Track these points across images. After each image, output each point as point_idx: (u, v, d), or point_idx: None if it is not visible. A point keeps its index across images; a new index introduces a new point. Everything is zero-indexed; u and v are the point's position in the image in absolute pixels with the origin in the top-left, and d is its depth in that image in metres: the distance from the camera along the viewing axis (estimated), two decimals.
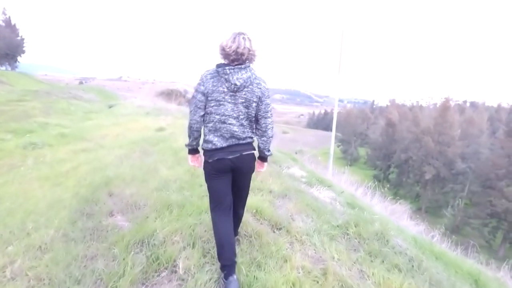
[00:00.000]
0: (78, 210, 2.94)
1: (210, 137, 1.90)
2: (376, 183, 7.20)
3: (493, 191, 25.93)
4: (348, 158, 50.18)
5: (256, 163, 2.10)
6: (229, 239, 1.92)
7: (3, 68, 38.99)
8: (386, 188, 13.93)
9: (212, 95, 1.85)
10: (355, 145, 51.51)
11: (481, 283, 2.53)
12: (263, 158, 2.14)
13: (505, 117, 42.28)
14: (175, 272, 2.03)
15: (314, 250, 2.38)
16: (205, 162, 1.97)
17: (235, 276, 1.85)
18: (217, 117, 1.87)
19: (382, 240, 2.62)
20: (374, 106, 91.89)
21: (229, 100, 1.85)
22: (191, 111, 1.91)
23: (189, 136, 1.98)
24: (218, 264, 2.00)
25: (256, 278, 1.93)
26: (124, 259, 2.12)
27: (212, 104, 1.87)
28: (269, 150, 2.07)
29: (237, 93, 1.85)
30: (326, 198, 3.63)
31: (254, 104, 1.89)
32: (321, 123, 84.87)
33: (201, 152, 2.04)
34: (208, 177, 1.98)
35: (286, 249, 2.30)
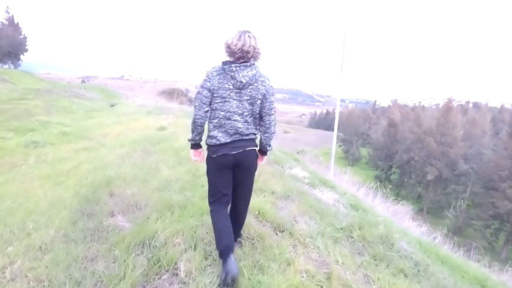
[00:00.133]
0: (79, 210, 2.91)
1: (215, 132, 1.94)
2: (378, 183, 7.15)
3: (495, 193, 25.80)
4: (349, 158, 50.07)
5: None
6: (227, 227, 1.98)
7: (6, 66, 39.10)
8: (388, 189, 13.87)
9: (218, 91, 1.89)
10: (356, 145, 51.40)
11: None
12: (263, 152, 2.19)
13: (508, 118, 41.98)
14: (177, 275, 2.00)
15: (318, 253, 2.34)
16: (209, 157, 2.01)
17: (232, 256, 1.89)
18: (222, 113, 1.91)
19: (387, 244, 2.58)
20: (376, 106, 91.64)
21: (234, 97, 1.90)
22: (196, 107, 1.93)
23: (193, 131, 2.01)
24: (220, 267, 1.98)
25: (259, 282, 1.89)
26: (124, 261, 2.08)
27: (218, 101, 1.90)
28: (270, 145, 2.14)
29: (242, 90, 1.89)
30: (329, 200, 3.59)
31: (258, 101, 1.94)
32: (322, 122, 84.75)
33: (204, 147, 2.09)
34: (210, 172, 2.04)
35: (289, 252, 2.27)
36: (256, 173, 2.31)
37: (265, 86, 1.94)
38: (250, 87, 1.90)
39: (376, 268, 2.21)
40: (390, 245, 2.57)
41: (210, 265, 2.08)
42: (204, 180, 3.38)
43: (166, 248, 2.17)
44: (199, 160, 2.16)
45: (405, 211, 6.74)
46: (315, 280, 2.01)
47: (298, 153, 9.15)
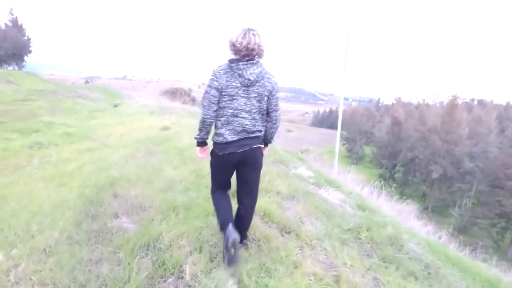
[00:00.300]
0: (83, 212, 2.89)
1: (222, 130, 1.97)
2: (382, 182, 7.09)
3: (501, 191, 25.52)
4: (353, 156, 49.83)
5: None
6: (226, 206, 2.13)
7: (10, 68, 39.41)
8: (392, 188, 13.76)
9: (226, 90, 1.91)
10: (360, 144, 51.13)
11: None
12: (266, 144, 2.24)
13: None
14: (182, 278, 1.96)
15: (325, 255, 2.29)
16: (215, 153, 2.04)
17: (231, 225, 2.00)
18: (230, 111, 1.94)
19: (396, 245, 2.52)
20: (380, 104, 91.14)
21: (242, 95, 1.93)
22: (204, 106, 1.95)
23: (201, 130, 2.03)
24: (225, 269, 1.98)
25: (266, 286, 1.86)
26: (129, 263, 2.05)
27: (226, 99, 1.93)
28: (273, 138, 2.23)
29: (250, 88, 1.93)
30: (335, 200, 3.54)
31: (265, 98, 1.98)
32: (325, 121, 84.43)
33: (209, 144, 2.14)
34: (214, 167, 2.11)
35: (296, 254, 2.22)
36: (261, 172, 2.28)
37: (271, 82, 1.97)
38: (257, 84, 1.93)
39: (385, 271, 2.15)
40: (399, 246, 2.51)
41: (215, 268, 2.04)
42: (209, 180, 3.36)
43: (171, 251, 2.14)
44: (205, 157, 2.18)
45: (410, 210, 6.66)
46: (323, 283, 1.97)
47: (302, 152, 9.10)
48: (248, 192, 2.14)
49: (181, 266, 2.02)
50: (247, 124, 1.96)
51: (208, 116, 1.95)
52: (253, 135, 2.01)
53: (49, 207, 3.05)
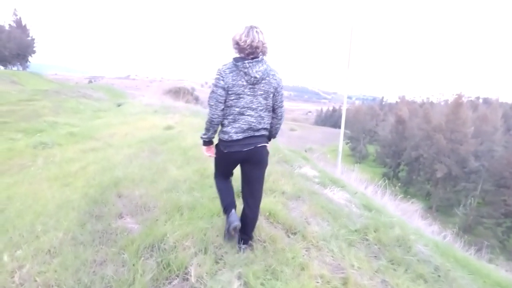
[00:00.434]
0: (87, 212, 2.88)
1: (228, 128, 1.97)
2: (386, 181, 7.03)
3: (507, 190, 25.27)
4: (356, 155, 49.62)
5: None
6: (229, 190, 2.24)
7: (15, 68, 39.70)
8: (397, 187, 13.66)
9: (232, 89, 1.91)
10: (364, 142, 50.90)
11: None
12: (269, 139, 2.25)
13: None
14: (187, 279, 1.93)
15: (332, 257, 2.25)
16: (220, 150, 2.07)
17: (233, 211, 2.15)
18: (237, 109, 1.95)
19: (404, 247, 2.48)
20: (383, 103, 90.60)
21: (248, 93, 1.93)
22: (211, 106, 1.95)
23: (208, 129, 2.04)
24: (230, 271, 1.96)
25: None
26: (134, 265, 2.03)
27: (232, 98, 1.93)
28: (277, 133, 2.27)
29: (256, 86, 1.93)
30: (341, 200, 3.49)
31: (271, 95, 1.99)
32: (329, 120, 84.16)
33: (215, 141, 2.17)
34: (219, 161, 2.16)
35: (303, 256, 2.18)
36: (266, 172, 2.26)
37: (276, 79, 1.98)
38: (263, 81, 1.93)
39: (394, 273, 2.11)
40: (407, 248, 2.46)
41: (221, 270, 2.01)
42: (212, 181, 3.33)
43: (176, 252, 2.12)
44: (211, 156, 2.19)
45: (414, 209, 6.60)
46: (330, 285, 1.93)
47: (306, 151, 9.05)
48: (253, 190, 2.13)
49: (186, 268, 1.99)
50: (253, 122, 1.97)
51: (216, 115, 1.95)
52: (259, 134, 2.02)
53: (54, 207, 3.04)
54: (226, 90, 1.91)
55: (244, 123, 1.96)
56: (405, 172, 40.60)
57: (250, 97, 1.93)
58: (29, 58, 41.52)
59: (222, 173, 2.23)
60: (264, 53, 1.94)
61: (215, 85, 1.93)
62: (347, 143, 50.02)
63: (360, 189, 4.92)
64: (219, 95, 1.91)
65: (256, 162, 2.07)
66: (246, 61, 1.87)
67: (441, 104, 61.44)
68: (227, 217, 2.15)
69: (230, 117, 1.96)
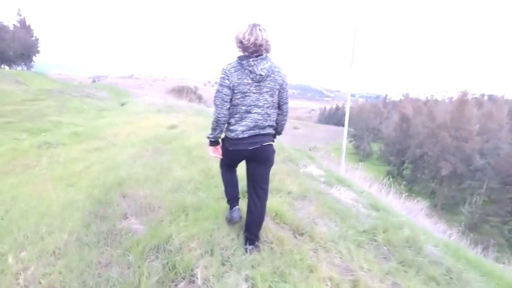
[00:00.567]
0: (92, 212, 2.85)
1: (235, 126, 1.98)
2: (391, 179, 6.94)
3: None
4: (360, 153, 49.41)
5: None
6: (233, 182, 2.33)
7: (19, 68, 39.97)
8: (401, 185, 13.53)
9: (238, 87, 1.91)
10: (367, 141, 50.64)
11: None
12: (275, 136, 2.25)
13: None
14: (193, 282, 1.90)
15: (341, 258, 2.20)
16: (226, 148, 2.10)
17: (237, 207, 2.32)
18: (244, 108, 1.95)
19: (414, 248, 2.42)
20: (387, 101, 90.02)
21: (254, 91, 1.93)
22: (217, 105, 1.95)
23: (215, 129, 2.04)
24: (237, 273, 1.93)
25: None
26: (139, 267, 2.00)
27: (238, 96, 1.92)
28: (283, 129, 2.27)
29: (261, 83, 1.93)
30: (348, 200, 3.43)
31: (277, 92, 2.00)
32: (332, 118, 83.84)
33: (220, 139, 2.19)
34: (224, 156, 2.17)
35: (311, 257, 2.14)
36: (271, 171, 2.23)
37: (281, 76, 1.98)
38: (268, 79, 1.93)
39: (405, 275, 2.06)
40: (418, 249, 2.40)
41: (227, 272, 1.97)
42: (217, 180, 3.29)
43: (182, 254, 2.08)
44: (218, 157, 2.20)
45: (419, 207, 6.52)
46: None
47: (310, 149, 8.97)
48: (258, 189, 2.12)
49: (192, 270, 1.95)
50: (259, 119, 1.97)
51: (222, 114, 1.95)
52: (264, 132, 2.02)
53: (58, 208, 3.02)
54: (232, 89, 1.91)
55: (251, 121, 1.96)
56: (410, 170, 40.35)
57: (256, 95, 1.93)
58: (33, 58, 41.76)
59: (227, 165, 2.30)
60: (268, 51, 1.94)
61: (221, 85, 1.93)
62: (350, 141, 49.80)
63: (365, 187, 4.85)
64: (224, 94, 1.91)
65: (262, 160, 2.07)
66: (250, 59, 1.87)
67: (446, 101, 60.93)
68: (230, 212, 2.32)
69: (237, 115, 1.97)
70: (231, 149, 2.05)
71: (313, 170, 4.39)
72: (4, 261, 2.18)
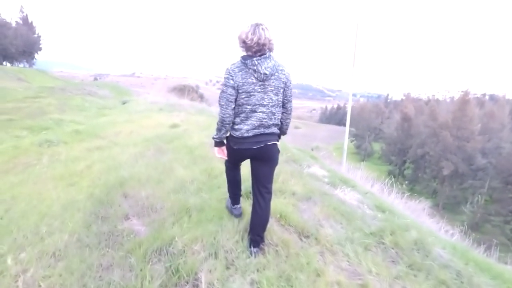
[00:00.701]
0: (93, 213, 2.80)
1: (241, 126, 1.98)
2: (393, 179, 6.89)
3: None
4: (362, 153, 49.32)
5: None
6: (236, 179, 2.39)
7: (21, 65, 39.97)
8: (404, 185, 13.45)
9: (243, 87, 1.91)
10: (369, 140, 50.52)
11: None
12: (280, 137, 2.26)
13: None
14: (197, 286, 1.85)
15: (348, 261, 2.15)
16: (230, 146, 2.10)
17: (239, 205, 2.49)
18: (249, 107, 1.95)
19: (422, 251, 2.36)
20: (388, 100, 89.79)
21: (259, 90, 1.93)
22: (222, 105, 1.95)
23: (220, 130, 2.03)
24: (242, 277, 1.89)
25: None
26: (141, 270, 1.95)
27: (243, 96, 1.93)
28: (288, 128, 2.27)
29: (266, 82, 1.93)
30: (353, 201, 3.38)
31: (281, 90, 2.01)
32: (333, 117, 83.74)
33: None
34: (228, 155, 2.18)
35: (318, 261, 2.08)
36: (275, 171, 2.19)
37: (285, 74, 1.99)
38: (273, 77, 1.94)
39: (415, 279, 2.00)
40: (427, 252, 2.35)
41: (232, 276, 1.92)
42: (221, 180, 3.23)
43: (185, 256, 2.03)
44: (223, 158, 2.20)
45: (421, 207, 6.46)
46: None
47: (312, 149, 8.91)
48: (262, 188, 2.10)
49: (196, 274, 1.90)
50: (264, 118, 1.97)
51: (227, 115, 1.95)
52: (269, 131, 2.02)
53: (59, 208, 2.97)
54: (236, 89, 1.91)
55: (256, 120, 1.96)
56: (411, 169, 40.26)
57: (261, 94, 1.94)
58: (35, 55, 41.77)
59: (231, 163, 2.31)
60: (271, 50, 1.94)
61: (225, 85, 1.93)
62: (352, 141, 49.68)
63: (367, 187, 4.79)
64: (229, 94, 1.92)
65: (266, 159, 2.07)
66: (254, 59, 1.87)
67: (447, 101, 60.72)
68: (232, 207, 2.48)
69: (243, 115, 1.97)
70: (235, 147, 2.05)
71: (316, 170, 4.34)
72: (3, 262, 2.12)
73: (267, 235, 2.26)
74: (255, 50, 1.88)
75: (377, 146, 49.92)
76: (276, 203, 2.71)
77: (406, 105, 46.26)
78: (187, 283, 1.86)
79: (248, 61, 1.88)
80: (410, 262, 2.21)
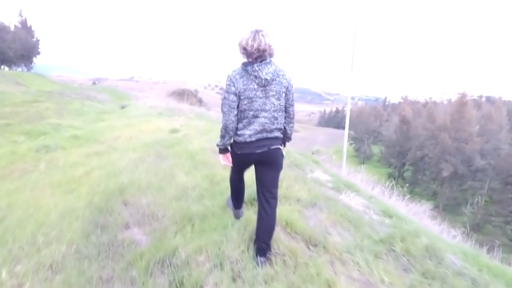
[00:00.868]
0: (92, 222, 2.71)
1: (243, 131, 1.98)
2: (393, 181, 6.82)
3: None
4: (361, 156, 49.32)
5: None
6: (240, 187, 2.40)
7: (19, 69, 39.83)
8: (404, 188, 13.38)
9: (244, 93, 1.91)
10: (368, 143, 50.55)
11: None
12: (284, 143, 2.24)
13: None
14: None
15: (359, 271, 2.06)
16: (234, 152, 2.08)
17: (241, 209, 2.50)
18: (251, 113, 1.95)
19: (435, 258, 2.27)
20: (386, 103, 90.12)
21: (261, 95, 1.93)
22: (225, 112, 1.95)
23: (224, 136, 2.02)
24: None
25: None
26: (143, 283, 1.86)
27: (245, 102, 1.93)
28: (292, 133, 2.24)
29: (267, 87, 1.94)
30: (359, 206, 3.29)
31: (283, 95, 2.00)
32: (332, 121, 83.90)
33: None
34: (233, 161, 2.14)
35: (328, 271, 1.99)
36: (279, 177, 2.13)
37: (286, 79, 2.00)
38: (274, 82, 1.94)
39: None
40: (439, 259, 2.26)
41: None
42: (223, 187, 3.15)
43: (189, 268, 1.94)
44: (228, 165, 2.17)
45: (422, 210, 6.39)
46: None
47: (313, 153, 8.85)
48: (267, 193, 2.07)
49: (201, 287, 1.81)
50: (266, 123, 1.97)
51: (230, 121, 1.95)
52: (272, 135, 2.02)
53: (56, 216, 2.88)
54: (238, 95, 1.92)
55: (258, 125, 1.97)
56: (411, 172, 40.25)
57: (262, 99, 1.94)
58: (34, 59, 41.63)
59: (235, 171, 2.29)
60: (271, 55, 1.95)
61: (227, 91, 1.94)
62: (351, 144, 49.69)
63: (369, 191, 4.71)
64: (231, 101, 1.92)
65: (270, 163, 2.06)
66: (255, 65, 1.88)
67: (444, 103, 61.01)
68: (234, 212, 2.50)
69: (245, 120, 1.98)
70: (239, 152, 2.05)
71: (320, 175, 4.25)
72: None
73: (274, 244, 2.17)
74: (256, 56, 1.89)
75: (376, 149, 49.94)
76: (282, 210, 2.62)
77: (404, 108, 46.34)
78: None
79: (249, 67, 1.89)
80: (423, 270, 2.12)
